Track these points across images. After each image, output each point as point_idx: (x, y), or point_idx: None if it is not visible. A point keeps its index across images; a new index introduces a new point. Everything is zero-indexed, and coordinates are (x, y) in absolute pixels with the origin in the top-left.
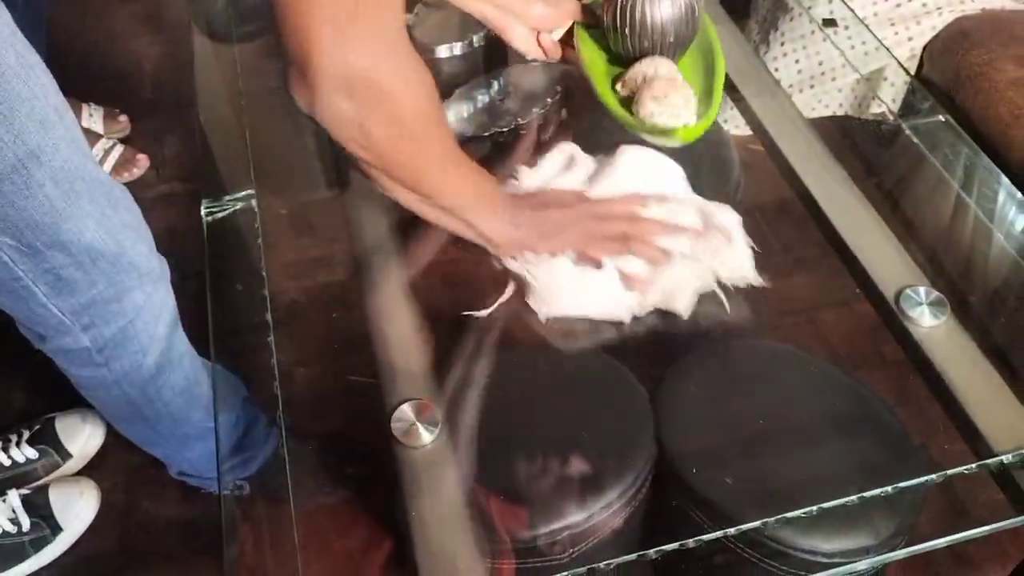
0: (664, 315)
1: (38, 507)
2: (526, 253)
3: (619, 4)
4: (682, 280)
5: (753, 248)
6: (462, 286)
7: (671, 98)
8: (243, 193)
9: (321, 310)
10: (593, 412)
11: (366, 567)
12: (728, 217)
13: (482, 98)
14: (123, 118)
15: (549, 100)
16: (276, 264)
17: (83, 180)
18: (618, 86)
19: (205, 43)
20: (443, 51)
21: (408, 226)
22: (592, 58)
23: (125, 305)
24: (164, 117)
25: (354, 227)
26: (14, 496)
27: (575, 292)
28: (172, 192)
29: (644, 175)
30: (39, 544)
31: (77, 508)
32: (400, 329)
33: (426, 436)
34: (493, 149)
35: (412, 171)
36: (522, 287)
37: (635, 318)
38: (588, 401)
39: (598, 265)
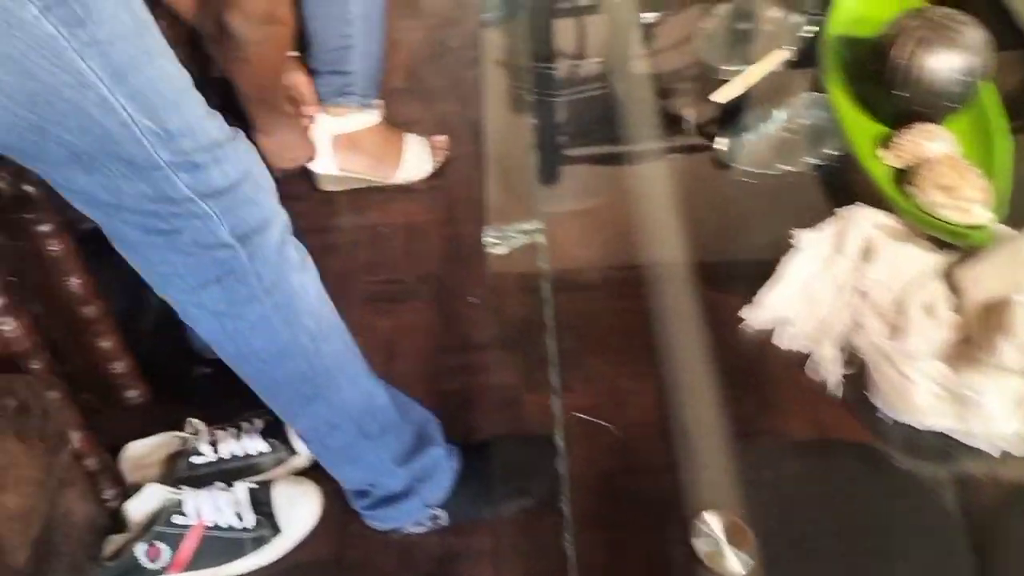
0: None
1: (260, 503)
2: (878, 339)
3: (890, 51)
4: None
5: None
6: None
7: (962, 190)
8: (529, 226)
9: (609, 362)
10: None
11: None
12: None
13: (771, 129)
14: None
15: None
16: (562, 309)
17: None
18: (885, 152)
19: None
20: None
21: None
22: (846, 109)
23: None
24: (414, 107)
25: (652, 282)
26: (242, 489)
27: (938, 402)
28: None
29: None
30: (258, 543)
31: (299, 512)
32: (702, 414)
33: (735, 567)
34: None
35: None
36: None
37: None
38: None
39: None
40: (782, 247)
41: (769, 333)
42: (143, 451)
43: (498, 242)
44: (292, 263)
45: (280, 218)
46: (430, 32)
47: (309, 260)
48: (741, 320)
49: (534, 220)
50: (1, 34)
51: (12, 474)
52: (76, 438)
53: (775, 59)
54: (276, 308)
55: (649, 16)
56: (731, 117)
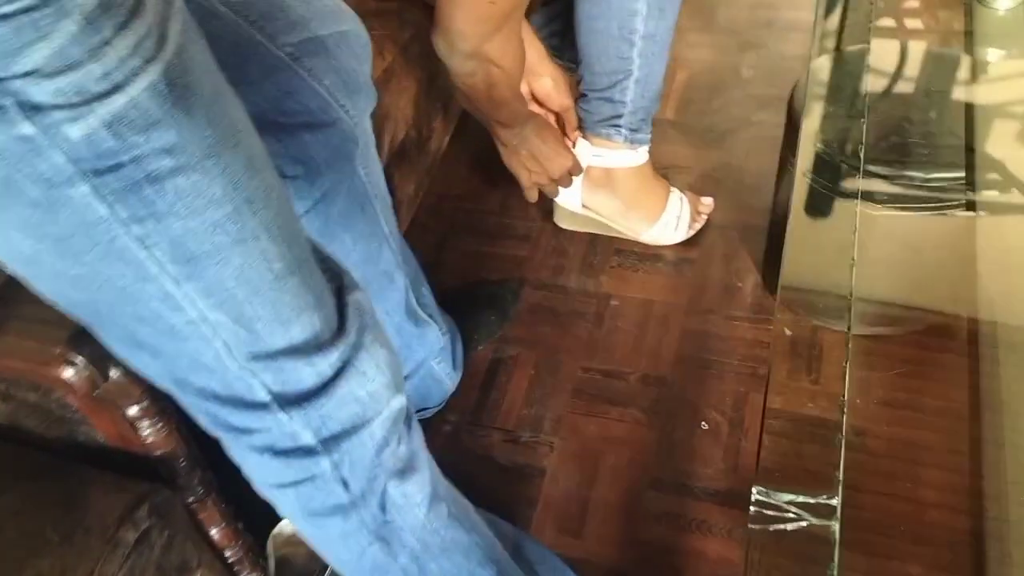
0: None
1: None
2: None
3: None
4: None
5: None
6: None
7: None
8: (812, 497)
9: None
10: None
11: None
12: None
13: None
14: None
15: None
16: None
17: None
18: None
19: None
20: None
21: None
22: None
23: None
24: (681, 149)
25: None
26: None
27: None
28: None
29: None
30: None
31: None
32: None
33: None
34: None
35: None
36: None
37: None
38: None
39: None
40: None
41: None
42: (293, 529)
43: (770, 512)
44: (393, 468)
45: (388, 410)
46: (720, 54)
47: (422, 458)
48: None
49: (834, 495)
50: (42, 210)
51: None
52: (216, 532)
53: None
54: (363, 524)
55: (993, 53)
56: None
